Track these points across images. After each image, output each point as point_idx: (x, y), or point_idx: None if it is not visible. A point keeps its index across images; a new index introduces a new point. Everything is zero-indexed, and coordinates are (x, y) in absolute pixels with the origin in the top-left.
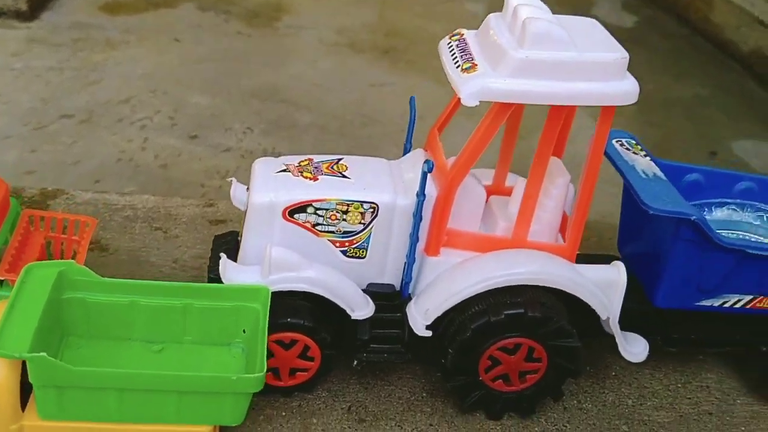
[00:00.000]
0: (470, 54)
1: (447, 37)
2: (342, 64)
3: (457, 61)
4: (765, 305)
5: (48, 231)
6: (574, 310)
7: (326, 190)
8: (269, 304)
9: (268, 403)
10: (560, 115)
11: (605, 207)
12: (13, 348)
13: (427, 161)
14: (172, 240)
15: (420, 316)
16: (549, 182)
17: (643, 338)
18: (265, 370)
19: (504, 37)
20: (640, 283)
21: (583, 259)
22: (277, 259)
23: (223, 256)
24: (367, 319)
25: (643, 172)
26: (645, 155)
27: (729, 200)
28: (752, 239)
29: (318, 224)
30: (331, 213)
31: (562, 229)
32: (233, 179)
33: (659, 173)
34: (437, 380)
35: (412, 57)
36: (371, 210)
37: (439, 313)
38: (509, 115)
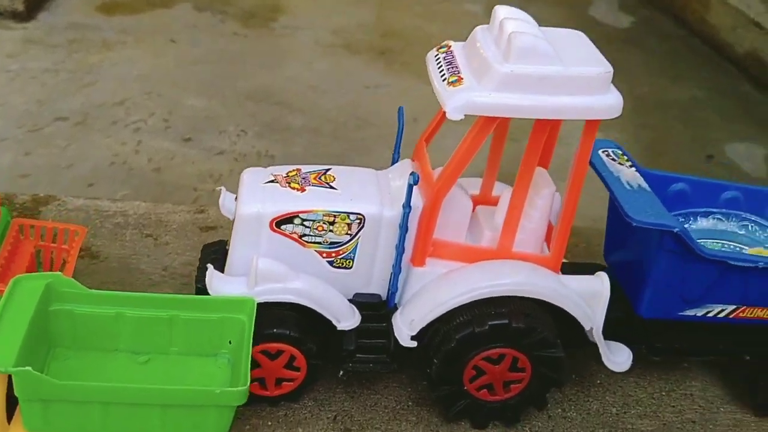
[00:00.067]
0: (456, 67)
1: (435, 49)
2: (337, 66)
3: (444, 74)
4: (748, 315)
5: (38, 240)
6: (559, 320)
7: (313, 201)
8: (255, 315)
9: (255, 412)
10: (545, 128)
11: (596, 211)
12: None
13: (412, 174)
14: (162, 247)
15: (405, 327)
16: (534, 193)
17: (628, 347)
18: (248, 384)
19: (490, 51)
20: (625, 293)
21: (569, 267)
22: (264, 271)
23: (210, 266)
24: (353, 329)
25: (628, 184)
26: (630, 166)
27: (714, 210)
28: (737, 249)
29: (305, 235)
30: (318, 224)
31: (548, 239)
32: (222, 188)
33: (644, 184)
34: (423, 389)
35: (408, 58)
36: (358, 221)
37: (424, 323)
38: (496, 125)
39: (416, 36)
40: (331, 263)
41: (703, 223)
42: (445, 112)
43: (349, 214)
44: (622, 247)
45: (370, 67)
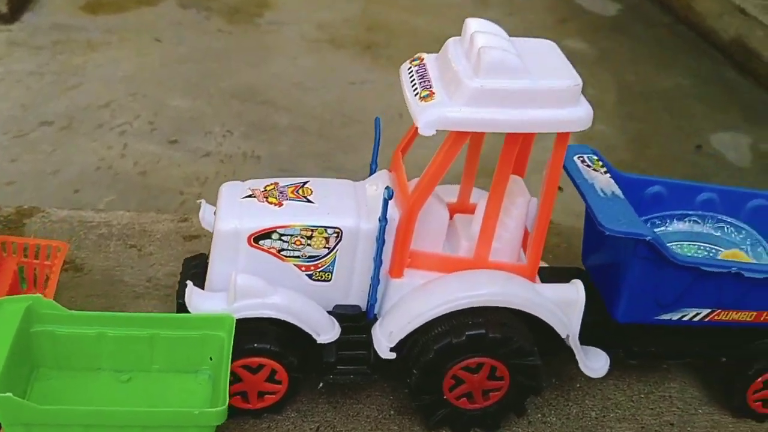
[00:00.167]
0: (428, 81)
1: (408, 61)
2: (323, 61)
3: (416, 89)
4: (723, 318)
5: (21, 257)
6: (536, 327)
7: (290, 216)
8: (234, 333)
9: (238, 425)
10: (517, 139)
11: (579, 207)
12: None
13: (387, 188)
14: (146, 258)
15: (384, 339)
16: (509, 202)
17: (605, 352)
18: (227, 404)
19: (461, 65)
20: (602, 297)
21: (548, 272)
22: (243, 287)
23: (189, 283)
24: (333, 341)
25: (602, 191)
26: (605, 172)
27: (691, 212)
28: (713, 250)
29: (283, 250)
30: (296, 239)
31: (525, 245)
32: (202, 201)
33: (618, 191)
34: (405, 398)
35: (394, 52)
36: (335, 234)
37: (403, 335)
38: (470, 136)
39: (402, 30)
40: (310, 276)
41: (679, 225)
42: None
43: (326, 228)
44: (598, 252)
45: (355, 62)
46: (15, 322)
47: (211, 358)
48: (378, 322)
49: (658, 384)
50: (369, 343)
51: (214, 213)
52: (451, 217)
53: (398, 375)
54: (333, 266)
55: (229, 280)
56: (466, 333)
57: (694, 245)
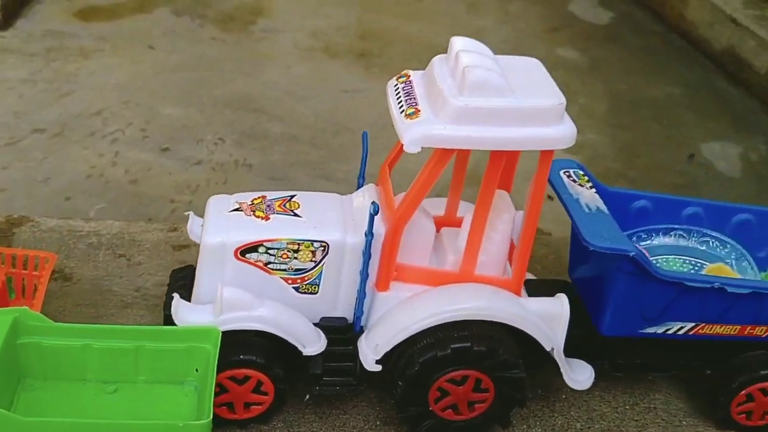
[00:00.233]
0: (414, 98)
1: (394, 78)
2: (316, 70)
3: (402, 106)
4: (707, 331)
5: (9, 267)
6: (522, 340)
7: (277, 230)
8: (219, 345)
9: None
10: (502, 157)
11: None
12: None
13: (373, 203)
14: (134, 267)
15: (370, 351)
16: (495, 216)
17: (590, 365)
18: (211, 416)
19: (446, 83)
20: (587, 310)
21: (535, 285)
22: (229, 300)
23: (175, 296)
24: (319, 353)
25: (587, 206)
26: (591, 187)
27: (676, 226)
28: (698, 264)
29: (270, 263)
30: (283, 252)
31: (512, 258)
32: (191, 213)
33: (602, 207)
34: (391, 408)
35: (387, 60)
36: (322, 248)
37: (389, 348)
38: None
39: (395, 37)
40: (296, 289)
41: (665, 239)
42: None
43: (313, 241)
44: (583, 266)
45: (348, 70)
46: (2, 334)
47: (197, 370)
48: (364, 335)
49: (643, 395)
50: (355, 355)
51: (202, 225)
52: (438, 230)
53: (385, 386)
54: (319, 279)
55: (216, 292)
56: (452, 346)
57: (680, 259)
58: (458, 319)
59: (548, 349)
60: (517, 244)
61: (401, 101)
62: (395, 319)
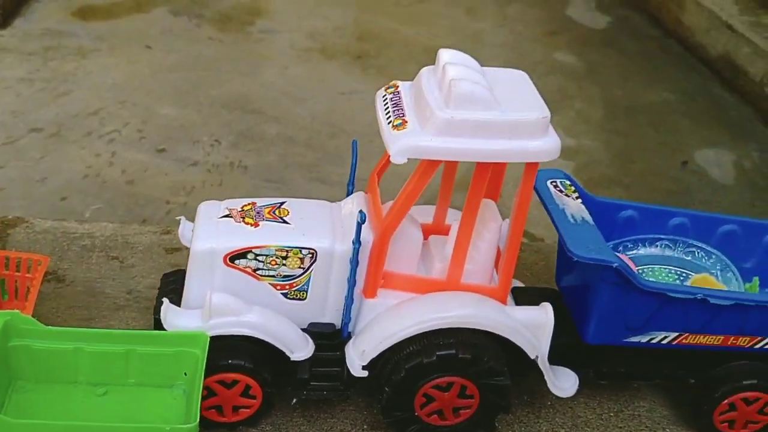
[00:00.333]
0: (402, 110)
1: (383, 89)
2: (313, 71)
3: (390, 117)
4: (691, 341)
5: (2, 269)
6: (507, 347)
7: (266, 236)
8: (207, 350)
9: None
10: (487, 168)
11: None
12: None
13: (360, 212)
14: (127, 270)
15: (357, 357)
16: (482, 226)
17: (574, 372)
18: (198, 420)
19: (432, 95)
20: (573, 319)
21: (522, 292)
22: (218, 305)
23: (165, 301)
24: (307, 359)
25: (572, 217)
26: (577, 197)
27: (663, 236)
28: (683, 274)
29: (258, 269)
30: (271, 259)
31: (498, 265)
32: (182, 218)
33: (588, 217)
34: (379, 413)
35: (384, 62)
36: (310, 255)
37: (375, 354)
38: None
39: (393, 39)
40: (285, 295)
41: (651, 249)
42: None
43: (301, 248)
44: (569, 275)
45: (345, 72)
46: None
47: (185, 374)
48: (351, 341)
49: (628, 403)
50: (342, 360)
51: (192, 231)
52: (426, 238)
53: (371, 391)
54: (308, 285)
55: (205, 298)
56: (437, 353)
57: (665, 269)
58: (444, 327)
59: (533, 357)
60: (503, 254)
61: (389, 112)
62: (382, 326)
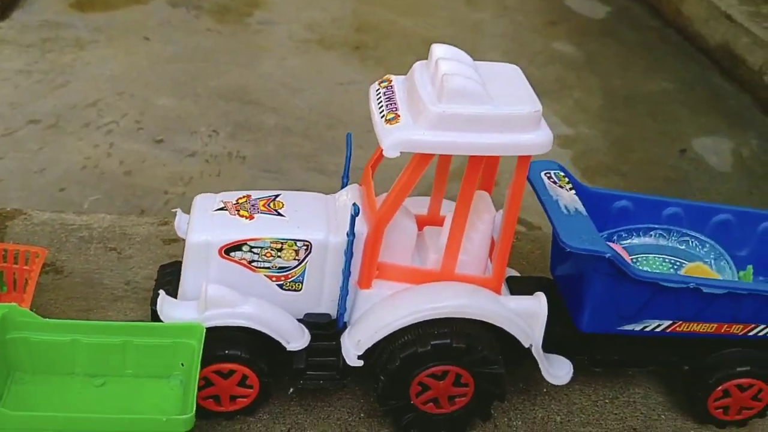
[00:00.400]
0: (395, 104)
1: (376, 83)
2: (311, 62)
3: (383, 111)
4: (684, 329)
5: (1, 261)
6: (502, 336)
7: (261, 229)
8: (203, 341)
9: (211, 426)
10: (480, 161)
11: None
12: None
13: (354, 205)
14: (125, 261)
15: (352, 347)
16: (476, 217)
17: (569, 360)
18: (194, 411)
19: (425, 90)
20: (567, 307)
21: (517, 281)
22: (213, 297)
23: (161, 292)
24: (303, 348)
25: (566, 208)
26: (571, 188)
27: (657, 226)
28: (677, 263)
29: (254, 261)
30: (266, 251)
31: (492, 256)
32: (178, 210)
33: (581, 208)
34: (375, 400)
35: (382, 53)
36: (305, 247)
37: (370, 344)
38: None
39: (391, 30)
40: (280, 286)
41: (645, 239)
42: None
43: (296, 241)
44: (563, 264)
45: (343, 62)
46: None
47: (182, 364)
48: (347, 331)
49: (623, 389)
50: (338, 350)
51: (188, 223)
52: (421, 229)
53: (367, 379)
54: (303, 277)
55: (201, 289)
56: (432, 342)
57: (659, 258)
58: (439, 317)
59: (527, 345)
60: (497, 244)
61: (382, 106)
62: (377, 316)
